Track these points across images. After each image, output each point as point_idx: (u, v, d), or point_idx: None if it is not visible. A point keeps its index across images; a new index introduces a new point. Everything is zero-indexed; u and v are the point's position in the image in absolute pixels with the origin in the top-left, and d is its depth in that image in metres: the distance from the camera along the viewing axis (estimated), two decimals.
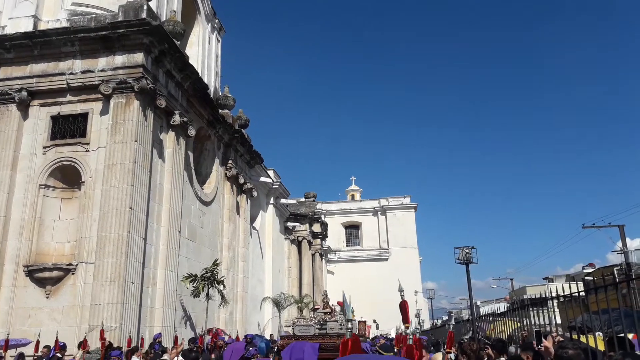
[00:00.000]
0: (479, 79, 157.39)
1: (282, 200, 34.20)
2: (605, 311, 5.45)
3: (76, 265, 14.29)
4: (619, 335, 4.98)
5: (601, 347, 5.82)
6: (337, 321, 7.80)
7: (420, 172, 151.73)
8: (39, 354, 11.17)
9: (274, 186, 31.87)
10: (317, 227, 40.87)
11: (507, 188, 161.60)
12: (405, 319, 4.70)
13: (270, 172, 31.79)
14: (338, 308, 10.30)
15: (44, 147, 15.63)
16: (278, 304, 28.55)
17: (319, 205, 47.72)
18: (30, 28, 16.39)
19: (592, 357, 5.10)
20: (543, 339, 4.96)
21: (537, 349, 5.14)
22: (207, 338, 15.71)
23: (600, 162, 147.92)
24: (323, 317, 7.95)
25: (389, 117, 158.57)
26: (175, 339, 12.71)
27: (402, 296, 5.30)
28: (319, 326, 7.45)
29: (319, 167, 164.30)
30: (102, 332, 11.41)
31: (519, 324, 9.50)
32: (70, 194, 15.56)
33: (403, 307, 5.15)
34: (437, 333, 24.05)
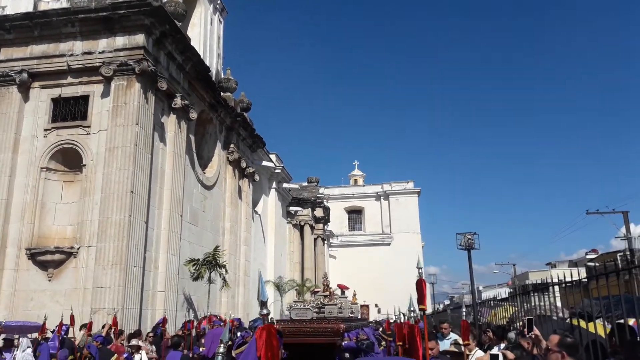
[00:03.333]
0: (483, 62, 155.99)
1: (285, 185, 34.15)
2: (606, 297, 5.40)
3: (78, 248, 14.31)
4: (619, 321, 4.93)
5: (601, 332, 5.78)
6: (335, 304, 7.65)
7: (423, 158, 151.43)
8: (48, 335, 11.15)
9: (276, 170, 31.78)
10: (319, 212, 40.87)
11: (511, 173, 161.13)
12: (422, 300, 4.40)
13: (273, 157, 31.68)
14: (339, 291, 10.23)
15: (45, 130, 15.57)
16: (280, 288, 28.68)
17: (321, 190, 47.67)
18: (30, 8, 16.24)
19: (591, 343, 5.06)
20: (534, 327, 4.91)
21: (528, 336, 5.10)
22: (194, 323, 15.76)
23: (605, 149, 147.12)
24: (322, 300, 7.80)
25: (392, 101, 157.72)
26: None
27: (419, 274, 4.96)
28: (317, 310, 7.31)
29: (322, 151, 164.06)
30: (114, 319, 11.43)
31: (519, 308, 9.48)
32: (71, 177, 15.54)
33: (420, 285, 4.85)
34: (438, 317, 24.16)
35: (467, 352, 5.75)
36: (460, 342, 5.73)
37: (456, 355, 5.60)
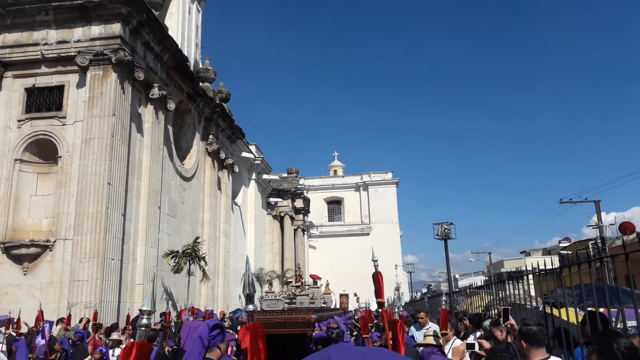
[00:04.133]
0: (462, 53, 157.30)
1: (264, 176, 34.07)
2: (577, 287, 5.58)
3: (54, 241, 14.10)
4: (590, 309, 5.11)
5: (573, 320, 5.98)
6: (307, 295, 7.65)
7: (402, 148, 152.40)
8: (23, 330, 10.97)
9: (255, 162, 31.67)
10: (299, 203, 40.92)
11: (487, 164, 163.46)
12: (379, 293, 4.30)
13: (252, 148, 31.55)
14: (311, 281, 10.27)
15: (19, 121, 15.23)
16: (260, 279, 28.72)
17: (301, 181, 47.68)
18: None
19: (564, 331, 5.22)
20: (509, 317, 5.03)
21: (504, 325, 5.23)
22: (174, 314, 15.67)
23: (579, 139, 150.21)
24: (294, 291, 7.78)
25: (372, 91, 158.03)
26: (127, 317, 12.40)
27: (375, 267, 4.85)
28: (288, 300, 7.28)
29: (302, 142, 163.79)
30: (95, 313, 11.27)
31: (494, 296, 9.70)
32: (46, 169, 15.25)
33: (376, 278, 4.74)
34: (416, 306, 24.54)
35: (444, 342, 5.68)
36: (439, 332, 5.72)
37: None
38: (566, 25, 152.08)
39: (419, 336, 7.34)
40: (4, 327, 11.31)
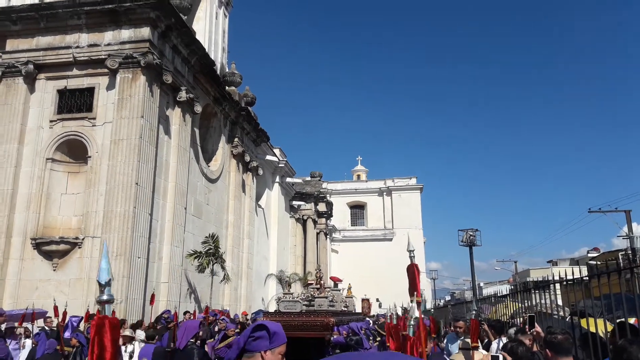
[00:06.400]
0: (489, 60, 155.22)
1: (288, 179, 34.20)
2: (607, 296, 5.44)
3: (82, 239, 14.42)
4: (619, 320, 4.97)
5: (601, 329, 5.81)
6: (326, 297, 7.49)
7: (426, 154, 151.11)
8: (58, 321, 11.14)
9: (279, 165, 31.83)
10: (322, 207, 40.92)
11: (514, 171, 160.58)
12: (414, 289, 3.62)
13: (276, 151, 31.72)
14: (331, 284, 10.09)
15: (51, 121, 15.64)
16: (282, 281, 28.80)
17: (324, 185, 47.71)
18: (36, 0, 16.26)
19: (592, 342, 5.09)
20: (535, 324, 4.90)
21: (529, 332, 5.10)
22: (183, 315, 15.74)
23: (609, 147, 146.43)
24: (313, 293, 7.60)
25: (397, 97, 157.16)
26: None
27: (411, 258, 4.18)
28: (306, 302, 7.13)
29: (326, 146, 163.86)
30: (113, 312, 11.42)
31: (520, 305, 9.51)
32: (76, 169, 15.62)
33: (412, 272, 3.99)
34: (437, 313, 24.25)
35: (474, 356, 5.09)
36: (469, 344, 5.17)
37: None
38: (586, 30, 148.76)
39: (454, 349, 6.92)
40: (42, 320, 11.62)
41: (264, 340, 2.40)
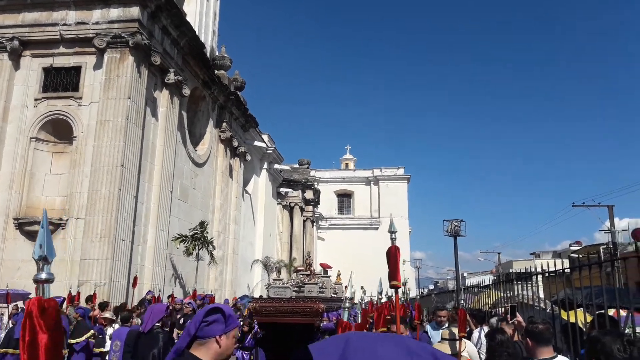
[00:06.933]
0: (476, 50, 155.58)
1: (276, 166, 34.11)
2: (587, 287, 5.52)
3: (66, 220, 14.27)
4: (599, 312, 5.04)
5: (581, 319, 5.91)
6: (315, 284, 7.50)
7: (414, 144, 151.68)
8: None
9: (268, 151, 31.71)
10: (309, 194, 40.93)
11: (500, 164, 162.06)
12: (394, 274, 3.36)
13: (265, 137, 31.57)
14: (321, 270, 10.12)
15: (36, 100, 15.37)
16: (268, 267, 28.86)
17: (312, 173, 47.67)
18: None
19: (571, 331, 5.17)
20: (517, 314, 4.94)
21: (511, 322, 5.15)
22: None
23: (595, 143, 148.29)
24: (302, 279, 7.60)
25: (387, 87, 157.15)
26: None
27: (392, 240, 3.93)
28: (296, 289, 7.13)
29: (314, 134, 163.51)
30: (94, 295, 11.37)
31: (502, 295, 9.62)
32: (61, 149, 15.40)
33: (393, 255, 3.68)
34: (423, 302, 24.47)
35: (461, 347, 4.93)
36: (455, 334, 5.02)
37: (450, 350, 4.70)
38: (578, 29, 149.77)
39: (436, 336, 6.90)
40: (21, 301, 11.53)
41: (220, 324, 2.22)
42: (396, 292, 3.52)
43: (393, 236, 3.67)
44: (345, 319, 4.06)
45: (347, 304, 4.11)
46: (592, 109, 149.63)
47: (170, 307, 9.78)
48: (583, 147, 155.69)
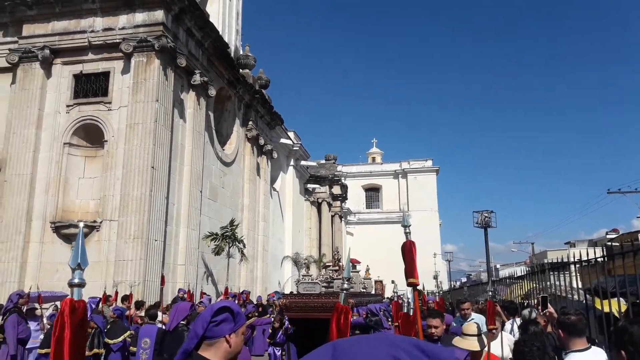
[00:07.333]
0: (505, 37, 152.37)
1: (302, 162, 34.24)
2: (621, 276, 5.38)
3: (100, 222, 14.66)
4: (634, 301, 4.92)
5: (615, 309, 5.76)
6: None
7: (442, 135, 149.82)
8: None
9: (294, 148, 31.84)
10: (337, 189, 40.95)
11: (531, 151, 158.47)
12: (411, 271, 3.13)
13: (291, 134, 31.71)
14: (350, 265, 10.06)
15: (67, 106, 15.81)
16: (297, 263, 29.06)
17: (339, 168, 47.66)
18: None
19: (606, 321, 5.06)
20: (548, 305, 4.84)
21: (542, 313, 5.06)
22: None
23: (629, 126, 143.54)
24: (331, 274, 7.64)
25: (412, 78, 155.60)
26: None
27: (406, 234, 3.76)
28: (325, 284, 7.18)
29: (340, 129, 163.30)
30: (130, 295, 11.66)
31: (535, 286, 9.45)
32: (93, 153, 15.82)
33: (408, 250, 3.60)
34: (454, 295, 24.27)
35: (490, 339, 4.55)
36: (483, 325, 4.83)
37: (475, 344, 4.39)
38: (592, 21, 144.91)
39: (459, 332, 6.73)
40: (58, 302, 11.93)
41: (229, 323, 2.17)
42: (415, 290, 3.32)
43: (407, 230, 3.50)
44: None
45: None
46: (625, 94, 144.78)
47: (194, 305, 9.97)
48: (617, 132, 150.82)
